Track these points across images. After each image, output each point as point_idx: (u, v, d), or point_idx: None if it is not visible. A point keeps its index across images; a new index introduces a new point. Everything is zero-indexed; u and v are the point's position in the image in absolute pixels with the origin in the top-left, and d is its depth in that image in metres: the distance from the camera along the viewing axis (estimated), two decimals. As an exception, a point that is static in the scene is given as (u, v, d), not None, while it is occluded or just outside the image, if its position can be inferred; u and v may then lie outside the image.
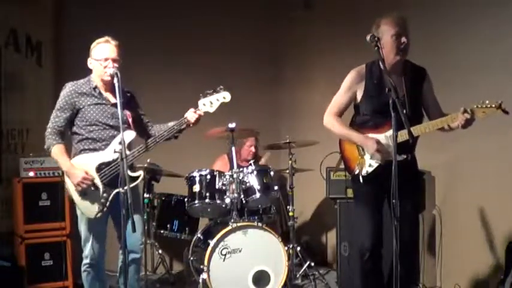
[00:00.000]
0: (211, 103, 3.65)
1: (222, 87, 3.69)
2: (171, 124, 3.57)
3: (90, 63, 3.48)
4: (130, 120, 3.50)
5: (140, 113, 3.69)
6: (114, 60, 3.40)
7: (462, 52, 4.20)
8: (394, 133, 2.84)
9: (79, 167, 3.37)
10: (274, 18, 6.13)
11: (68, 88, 3.45)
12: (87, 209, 3.40)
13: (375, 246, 3.34)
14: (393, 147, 2.86)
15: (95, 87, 3.46)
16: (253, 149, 5.22)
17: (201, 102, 3.64)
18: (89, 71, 3.52)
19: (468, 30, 4.16)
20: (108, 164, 3.39)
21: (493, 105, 2.97)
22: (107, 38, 3.47)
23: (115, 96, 3.42)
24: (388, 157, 3.20)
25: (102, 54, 3.42)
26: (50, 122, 3.43)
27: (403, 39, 3.18)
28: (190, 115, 3.57)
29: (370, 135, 3.28)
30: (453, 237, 4.32)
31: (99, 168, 3.39)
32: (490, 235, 3.99)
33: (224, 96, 3.69)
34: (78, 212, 3.46)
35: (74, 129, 3.46)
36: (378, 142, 3.22)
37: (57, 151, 3.39)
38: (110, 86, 3.45)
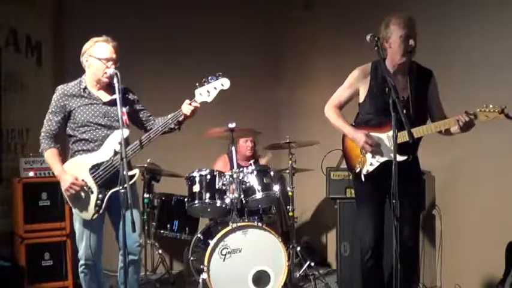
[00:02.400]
0: (208, 92, 3.48)
1: (220, 73, 3.52)
2: (168, 117, 3.49)
3: (87, 60, 3.43)
4: (125, 117, 3.41)
5: (138, 108, 3.62)
6: (114, 62, 3.39)
7: (464, 51, 4.20)
8: (394, 133, 2.85)
9: (70, 171, 3.35)
10: (274, 18, 6.13)
11: (58, 91, 3.45)
12: (82, 212, 3.39)
13: (376, 245, 3.35)
14: (394, 147, 2.86)
15: (85, 88, 3.44)
16: (249, 143, 5.21)
17: (197, 92, 3.49)
18: (83, 70, 3.48)
19: (470, 28, 4.16)
20: (101, 164, 3.36)
21: (496, 110, 2.98)
22: (106, 37, 3.43)
23: (109, 94, 3.42)
24: (379, 153, 3.23)
25: (104, 53, 3.38)
26: (44, 126, 3.44)
27: (411, 42, 3.18)
28: (186, 107, 3.45)
29: (373, 134, 3.28)
30: (453, 237, 4.32)
31: (93, 169, 3.36)
32: (490, 235, 3.99)
33: (222, 83, 3.51)
34: (74, 211, 3.46)
35: (68, 131, 3.45)
36: (367, 135, 3.24)
37: (49, 155, 3.41)
38: (103, 85, 3.44)
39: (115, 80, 3.18)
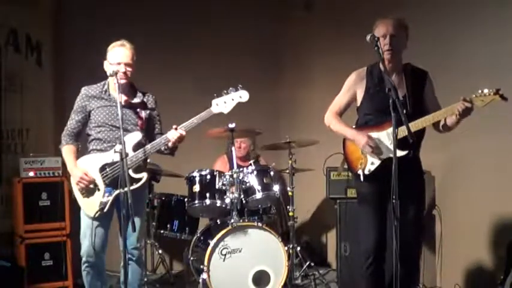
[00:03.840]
0: (225, 103, 3.53)
1: (240, 86, 3.56)
2: (154, 142, 3.50)
3: (106, 66, 3.52)
4: (141, 122, 3.51)
5: (154, 117, 3.64)
6: (126, 64, 3.44)
7: (465, 53, 4.19)
8: (394, 133, 2.85)
9: (81, 167, 3.45)
10: (274, 19, 6.12)
11: (81, 92, 3.57)
12: (87, 208, 3.45)
13: (377, 248, 3.34)
14: (393, 147, 2.87)
15: (106, 90, 3.53)
16: (241, 144, 5.20)
17: (214, 102, 3.54)
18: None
19: (471, 31, 4.15)
20: (111, 164, 3.43)
21: (492, 93, 3.00)
22: (122, 41, 3.51)
23: (130, 97, 3.51)
24: (380, 153, 3.24)
25: (116, 58, 3.45)
26: (67, 124, 3.58)
27: (385, 41, 3.20)
28: (171, 133, 3.43)
29: (372, 133, 3.29)
30: (453, 237, 4.32)
31: (103, 168, 3.43)
32: (490, 235, 3.99)
33: (241, 95, 3.55)
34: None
35: (87, 130, 3.57)
36: (369, 137, 3.26)
37: (65, 151, 3.56)
38: (126, 88, 3.50)
39: (115, 80, 3.24)
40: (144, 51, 5.24)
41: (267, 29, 6.10)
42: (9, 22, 4.85)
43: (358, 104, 3.44)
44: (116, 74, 3.27)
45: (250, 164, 4.48)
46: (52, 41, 5.05)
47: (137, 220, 3.39)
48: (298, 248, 4.83)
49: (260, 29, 6.07)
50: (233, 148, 4.43)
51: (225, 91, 3.55)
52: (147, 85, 4.98)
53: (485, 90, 3.01)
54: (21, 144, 4.89)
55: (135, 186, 3.38)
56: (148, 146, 3.47)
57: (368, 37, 3.00)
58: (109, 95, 3.52)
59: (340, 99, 3.50)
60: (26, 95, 4.91)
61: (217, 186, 4.24)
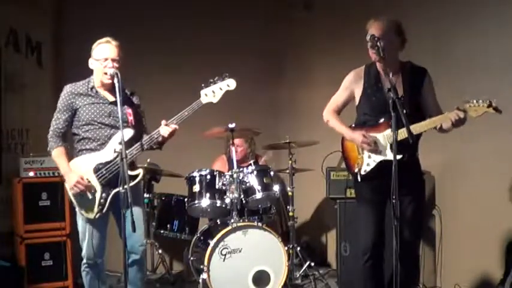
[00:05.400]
0: (213, 93, 3.49)
1: (226, 74, 3.52)
2: (147, 137, 3.48)
3: (91, 63, 3.48)
4: (130, 118, 3.48)
5: (140, 113, 3.63)
6: (113, 60, 3.40)
7: (465, 53, 4.20)
8: (394, 133, 2.85)
9: (76, 170, 3.38)
10: (274, 19, 6.12)
11: (66, 90, 3.48)
12: (85, 211, 3.41)
13: (375, 246, 3.35)
14: (393, 147, 2.87)
15: (92, 87, 3.47)
16: (237, 148, 5.18)
17: (202, 92, 3.50)
18: (89, 72, 3.52)
19: (471, 30, 4.16)
20: (105, 164, 3.38)
21: (485, 105, 3.00)
22: (107, 38, 3.46)
23: (113, 95, 3.42)
24: (377, 153, 3.25)
25: (102, 54, 3.42)
26: (51, 125, 3.46)
27: (373, 44, 3.14)
28: (163, 129, 3.41)
29: (369, 134, 3.29)
30: (453, 237, 4.32)
31: (97, 168, 3.38)
32: (490, 235, 3.99)
33: (228, 84, 3.52)
34: (77, 210, 3.47)
35: (73, 129, 3.48)
36: (365, 135, 3.26)
37: (56, 154, 3.44)
38: (109, 86, 3.46)
39: (115, 80, 3.20)
40: (143, 51, 5.31)
41: (267, 29, 6.10)
42: (9, 22, 4.85)
43: (357, 102, 3.45)
44: (116, 74, 3.23)
45: (250, 164, 4.47)
46: (52, 41, 5.06)
47: (138, 210, 3.40)
48: (298, 248, 4.83)
49: (260, 29, 6.07)
50: (232, 148, 4.43)
51: (212, 80, 3.51)
52: (146, 85, 4.99)
53: (480, 101, 3.01)
54: (21, 144, 4.89)
55: (132, 183, 3.36)
56: (142, 142, 3.43)
57: (368, 37, 3.01)
58: (96, 92, 3.46)
59: (337, 98, 3.51)
60: (26, 95, 4.91)
61: (217, 186, 4.24)
